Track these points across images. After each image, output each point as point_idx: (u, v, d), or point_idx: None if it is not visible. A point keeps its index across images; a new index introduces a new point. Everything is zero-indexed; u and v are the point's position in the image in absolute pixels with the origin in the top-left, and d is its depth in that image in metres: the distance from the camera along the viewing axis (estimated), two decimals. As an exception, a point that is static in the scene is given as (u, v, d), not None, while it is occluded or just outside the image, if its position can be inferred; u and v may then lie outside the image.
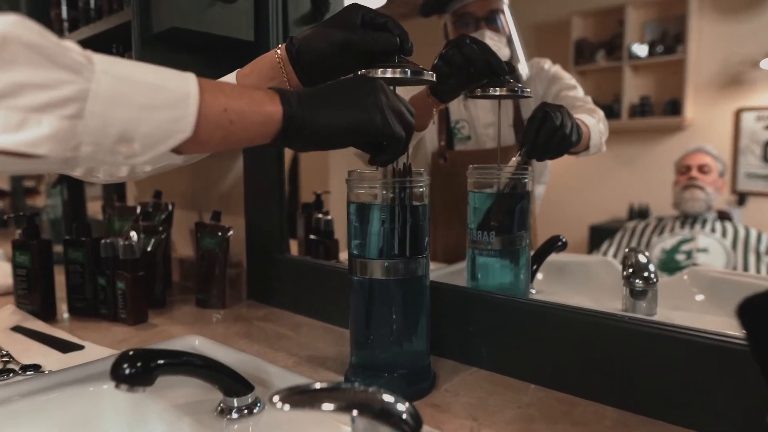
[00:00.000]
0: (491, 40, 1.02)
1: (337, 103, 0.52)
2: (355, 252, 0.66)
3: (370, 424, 0.40)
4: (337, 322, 0.96)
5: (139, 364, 0.46)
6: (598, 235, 1.43)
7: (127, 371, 0.45)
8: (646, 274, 0.81)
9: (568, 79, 1.10)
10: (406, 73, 0.62)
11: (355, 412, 0.39)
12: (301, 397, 0.39)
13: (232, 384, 0.56)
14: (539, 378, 0.70)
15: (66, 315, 1.04)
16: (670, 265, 1.18)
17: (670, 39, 1.66)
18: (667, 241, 1.30)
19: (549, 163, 1.12)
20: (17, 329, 0.93)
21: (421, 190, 0.66)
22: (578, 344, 0.67)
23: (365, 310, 0.67)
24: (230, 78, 0.65)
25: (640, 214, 1.56)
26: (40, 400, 0.64)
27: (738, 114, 1.65)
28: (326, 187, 1.25)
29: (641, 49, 1.64)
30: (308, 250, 1.17)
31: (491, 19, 1.06)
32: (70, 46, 0.40)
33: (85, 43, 1.15)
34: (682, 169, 1.47)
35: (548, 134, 0.77)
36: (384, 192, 0.64)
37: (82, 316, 1.03)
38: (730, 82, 1.62)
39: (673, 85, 1.63)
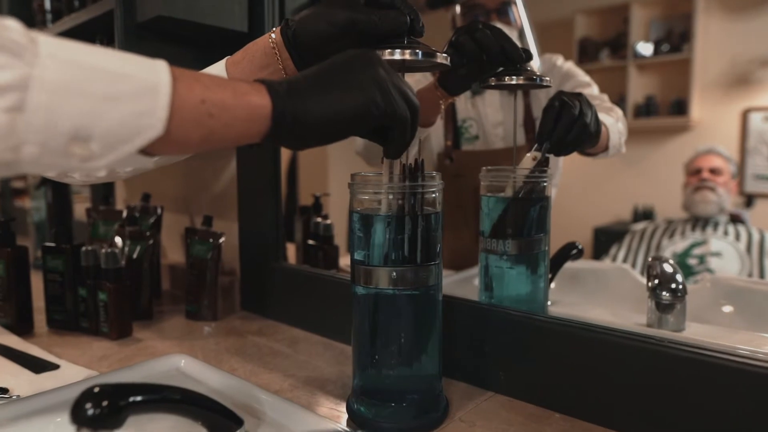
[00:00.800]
0: None
1: (331, 87, 0.44)
2: (358, 259, 0.59)
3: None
4: (337, 337, 0.89)
5: (105, 404, 0.38)
6: (603, 238, 1.38)
7: (90, 412, 0.38)
8: (673, 285, 0.74)
9: (582, 75, 1.04)
10: (417, 54, 0.54)
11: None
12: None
13: (219, 419, 0.49)
14: (564, 405, 0.63)
15: (45, 328, 0.96)
16: (682, 270, 1.13)
17: (676, 37, 1.62)
18: (678, 245, 1.24)
19: (561, 163, 1.06)
20: (-11, 345, 0.86)
21: (434, 195, 0.59)
22: (609, 368, 0.60)
23: (370, 324, 0.60)
24: (219, 65, 0.57)
25: (644, 215, 1.51)
26: (5, 432, 0.57)
27: (745, 114, 1.62)
28: (326, 188, 1.19)
29: (646, 48, 1.61)
30: (306, 256, 1.11)
31: (502, 11, 1.01)
32: (8, 24, 0.33)
33: (68, 35, 1.08)
34: (693, 171, 1.42)
35: (567, 125, 0.69)
36: (391, 198, 0.57)
37: (61, 329, 0.95)
38: (738, 81, 1.58)
39: (679, 84, 1.59)
